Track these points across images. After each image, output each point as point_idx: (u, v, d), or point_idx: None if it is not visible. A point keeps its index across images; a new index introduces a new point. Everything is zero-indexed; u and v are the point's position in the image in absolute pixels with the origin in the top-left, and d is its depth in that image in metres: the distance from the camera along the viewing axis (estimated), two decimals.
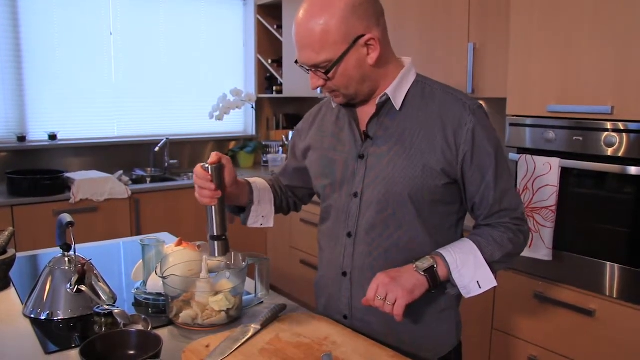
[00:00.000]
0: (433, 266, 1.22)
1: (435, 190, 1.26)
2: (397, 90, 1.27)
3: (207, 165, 1.26)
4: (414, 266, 1.22)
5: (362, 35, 1.19)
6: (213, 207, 1.26)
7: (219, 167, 1.27)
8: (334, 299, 1.40)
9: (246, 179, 1.45)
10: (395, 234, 1.29)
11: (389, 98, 1.27)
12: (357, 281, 1.33)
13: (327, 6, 1.17)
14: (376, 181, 1.28)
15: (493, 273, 1.27)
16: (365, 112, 1.32)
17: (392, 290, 1.17)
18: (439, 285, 1.24)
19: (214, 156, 1.27)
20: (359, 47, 1.20)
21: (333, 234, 1.38)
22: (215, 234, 1.28)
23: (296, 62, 1.25)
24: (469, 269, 1.24)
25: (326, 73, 1.21)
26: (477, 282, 1.25)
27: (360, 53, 1.20)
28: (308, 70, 1.24)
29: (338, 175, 1.35)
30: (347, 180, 1.33)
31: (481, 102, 1.29)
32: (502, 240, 1.28)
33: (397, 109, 1.28)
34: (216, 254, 1.29)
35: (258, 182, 1.48)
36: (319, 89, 1.28)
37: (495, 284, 1.26)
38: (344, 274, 1.35)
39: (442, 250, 1.25)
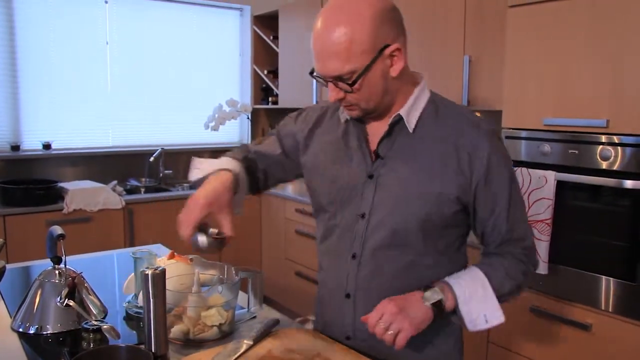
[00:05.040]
0: (441, 300, 1.17)
1: (447, 217, 1.21)
2: (411, 111, 1.21)
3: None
4: (422, 297, 1.17)
5: (388, 45, 1.12)
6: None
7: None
8: (337, 320, 1.34)
9: (227, 169, 1.31)
10: (401, 258, 1.24)
11: (402, 118, 1.21)
12: (361, 303, 1.28)
13: (354, 13, 1.09)
14: (386, 203, 1.22)
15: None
16: (376, 131, 1.25)
17: (398, 321, 1.12)
18: (444, 317, 1.21)
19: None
20: (384, 57, 1.12)
21: (336, 254, 1.32)
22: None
23: (311, 73, 1.18)
24: (477, 303, 1.19)
25: (352, 85, 1.13)
26: (484, 315, 1.20)
27: (384, 64, 1.13)
28: (326, 82, 1.16)
29: (344, 194, 1.28)
30: (353, 199, 1.26)
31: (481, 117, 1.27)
32: (514, 272, 1.24)
33: (410, 131, 1.22)
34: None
35: (239, 171, 1.34)
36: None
37: (502, 320, 1.22)
38: (347, 295, 1.30)
39: (450, 281, 1.20)
